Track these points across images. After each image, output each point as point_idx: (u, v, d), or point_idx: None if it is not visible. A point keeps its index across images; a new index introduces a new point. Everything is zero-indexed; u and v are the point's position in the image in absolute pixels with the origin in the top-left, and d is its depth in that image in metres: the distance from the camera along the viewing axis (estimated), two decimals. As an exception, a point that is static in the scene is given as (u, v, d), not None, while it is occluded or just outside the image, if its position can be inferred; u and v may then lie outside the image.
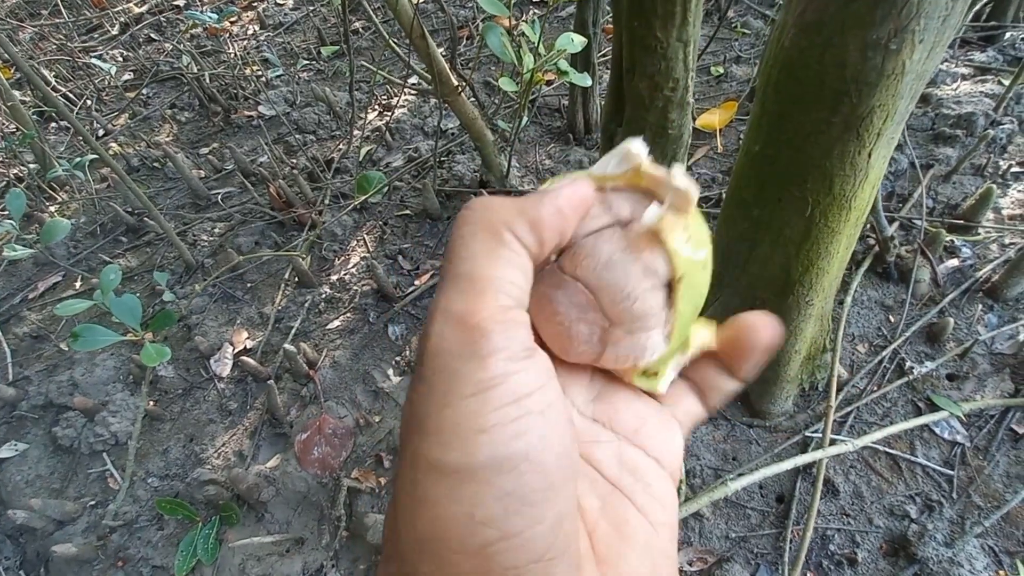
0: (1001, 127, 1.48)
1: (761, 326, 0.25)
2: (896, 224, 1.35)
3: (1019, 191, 1.40)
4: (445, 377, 0.19)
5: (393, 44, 1.38)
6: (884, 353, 1.17)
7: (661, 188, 0.24)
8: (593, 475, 0.24)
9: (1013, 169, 1.43)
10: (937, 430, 1.07)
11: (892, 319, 1.23)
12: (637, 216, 0.24)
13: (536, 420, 0.19)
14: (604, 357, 0.24)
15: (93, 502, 1.22)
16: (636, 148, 0.25)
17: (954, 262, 1.28)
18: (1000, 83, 1.64)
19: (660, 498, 0.24)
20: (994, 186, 1.25)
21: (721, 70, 1.93)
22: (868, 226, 1.26)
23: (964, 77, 1.69)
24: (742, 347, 0.25)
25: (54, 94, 1.29)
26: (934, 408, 1.08)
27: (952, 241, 1.30)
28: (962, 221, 1.33)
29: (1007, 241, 1.30)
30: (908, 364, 1.15)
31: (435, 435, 0.18)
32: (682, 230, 0.23)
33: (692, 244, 0.24)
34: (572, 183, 0.23)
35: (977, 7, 1.80)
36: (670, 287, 0.24)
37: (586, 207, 0.23)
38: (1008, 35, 1.79)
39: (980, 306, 1.21)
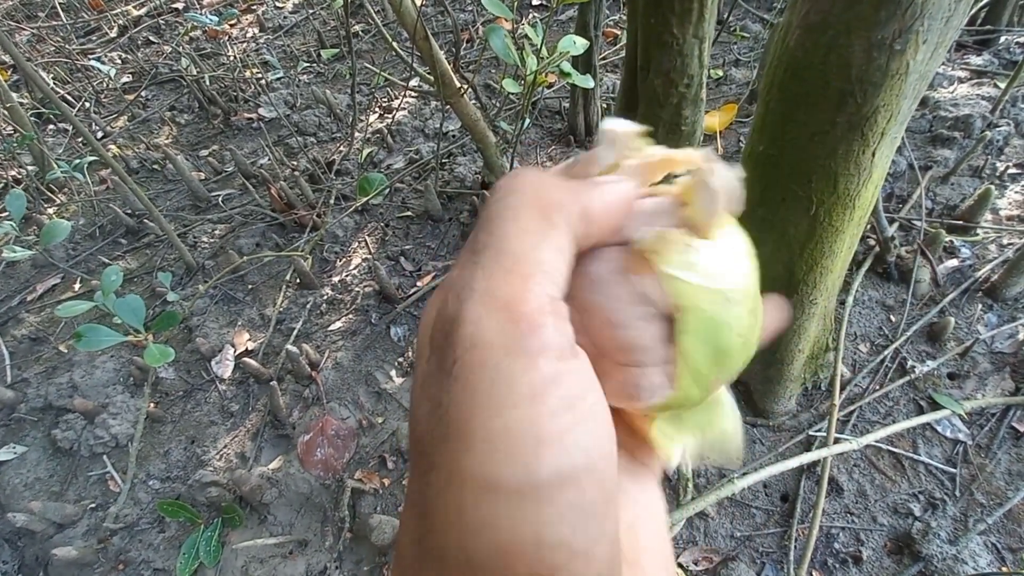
0: (998, 129, 1.50)
1: (771, 309, 0.23)
2: (896, 225, 1.36)
3: (1016, 192, 1.41)
4: (488, 377, 0.16)
5: (395, 46, 1.39)
6: (886, 352, 1.17)
7: (687, 194, 0.21)
8: None
9: (1010, 171, 1.44)
10: (939, 428, 1.08)
11: (893, 319, 1.23)
12: (650, 225, 0.20)
13: (590, 427, 0.17)
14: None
15: (93, 505, 1.21)
16: (613, 125, 0.21)
17: (953, 262, 1.29)
18: (996, 86, 1.65)
19: (654, 497, 0.24)
20: (992, 187, 1.26)
21: (720, 73, 1.95)
22: (869, 227, 1.27)
23: (961, 80, 1.71)
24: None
25: (55, 95, 1.28)
26: (936, 407, 1.09)
27: (951, 241, 1.32)
28: (961, 222, 1.34)
29: (1005, 241, 1.31)
30: (910, 363, 1.16)
31: (486, 448, 0.16)
32: (685, 251, 0.20)
33: (703, 270, 0.20)
34: (621, 182, 0.20)
35: (972, 11, 1.82)
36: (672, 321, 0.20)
37: (628, 211, 0.21)
38: (1003, 39, 1.81)
39: (980, 306, 1.22)
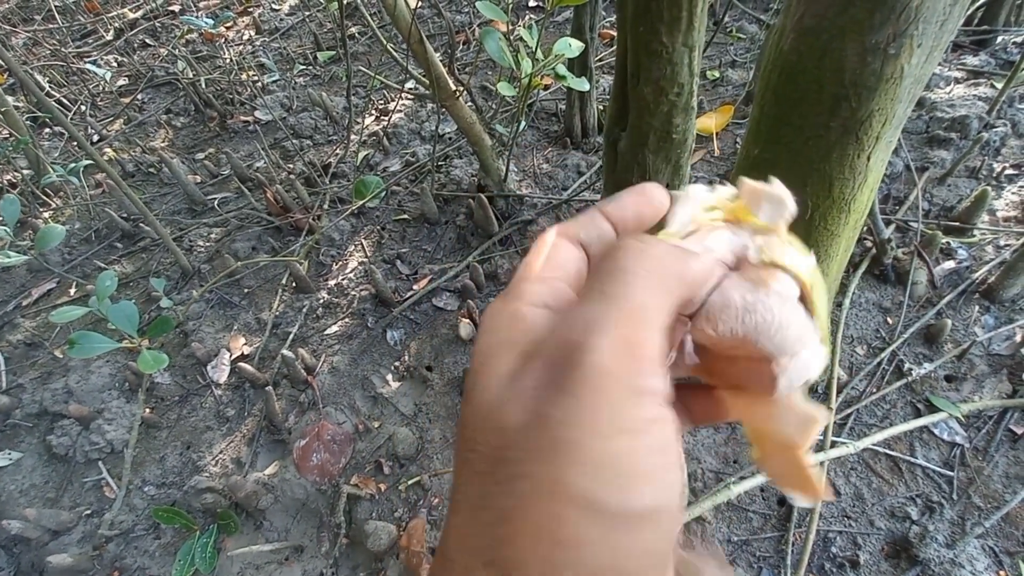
0: (994, 130, 1.49)
1: None
2: (892, 226, 1.36)
3: (1013, 193, 1.41)
4: (603, 402, 0.17)
5: (391, 49, 1.38)
6: (883, 355, 1.17)
7: (741, 211, 0.25)
8: None
9: (1007, 171, 1.44)
10: (936, 431, 1.07)
11: (890, 321, 1.23)
12: (739, 253, 0.24)
13: (675, 473, 0.18)
14: (779, 387, 0.24)
15: (89, 511, 1.20)
16: (699, 192, 0.26)
17: (950, 264, 1.29)
18: (993, 86, 1.65)
19: None
20: (989, 188, 1.26)
21: (717, 74, 1.94)
22: (865, 228, 1.26)
23: (957, 81, 1.71)
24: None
25: (49, 100, 1.28)
26: (933, 409, 1.08)
27: (948, 243, 1.31)
28: (958, 223, 1.34)
29: (1002, 243, 1.31)
30: (907, 366, 1.15)
31: (593, 469, 0.17)
32: (788, 248, 0.24)
33: (802, 254, 0.24)
34: (710, 257, 0.24)
35: (969, 12, 1.82)
36: (803, 299, 0.24)
37: (712, 279, 0.24)
38: (1000, 39, 1.81)
39: (977, 307, 1.22)
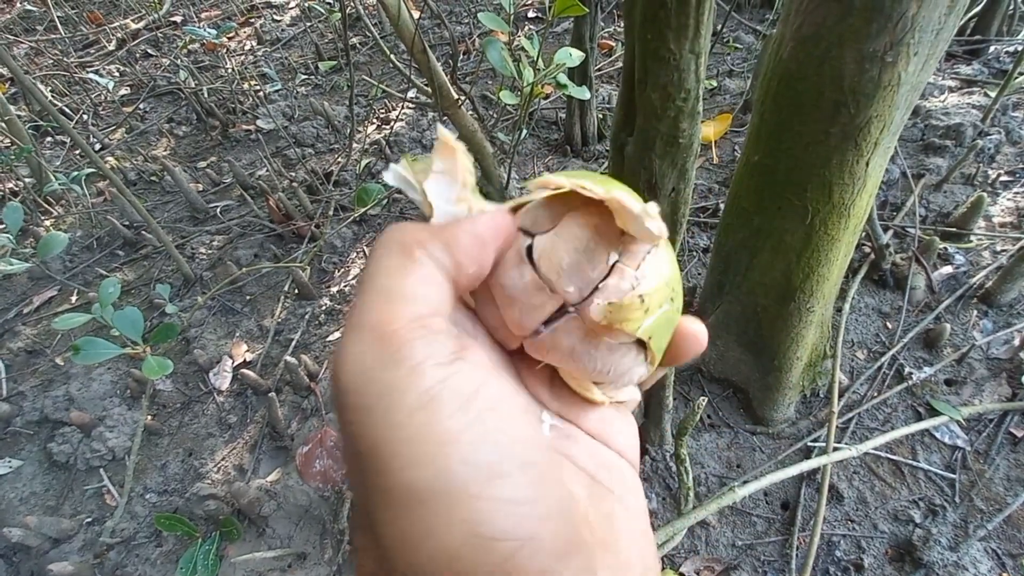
0: (989, 138, 1.52)
1: (695, 334, 0.25)
2: (890, 232, 1.37)
3: (1008, 199, 1.43)
4: (378, 395, 0.17)
5: (393, 59, 1.40)
6: (883, 359, 1.18)
7: (621, 216, 0.22)
8: (573, 469, 0.24)
9: (1002, 178, 1.46)
10: (938, 435, 1.08)
11: (890, 326, 1.24)
12: (584, 293, 0.22)
13: (492, 418, 0.18)
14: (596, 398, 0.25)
15: (90, 519, 1.20)
16: (445, 134, 0.23)
17: (948, 269, 1.30)
18: (986, 95, 1.68)
19: (632, 487, 0.25)
20: (984, 195, 1.27)
21: (715, 83, 1.97)
22: (864, 234, 1.28)
23: (951, 89, 1.74)
24: (674, 355, 0.25)
25: (53, 108, 1.29)
26: (934, 413, 1.09)
27: (945, 248, 1.33)
28: (954, 229, 1.35)
29: (999, 248, 1.32)
30: (907, 370, 1.16)
31: (396, 461, 0.16)
32: (639, 304, 0.21)
33: (656, 302, 0.22)
34: (493, 213, 0.23)
35: (962, 22, 1.85)
36: (642, 341, 0.23)
37: (505, 236, 0.23)
38: (992, 49, 1.84)
39: (975, 312, 1.23)
